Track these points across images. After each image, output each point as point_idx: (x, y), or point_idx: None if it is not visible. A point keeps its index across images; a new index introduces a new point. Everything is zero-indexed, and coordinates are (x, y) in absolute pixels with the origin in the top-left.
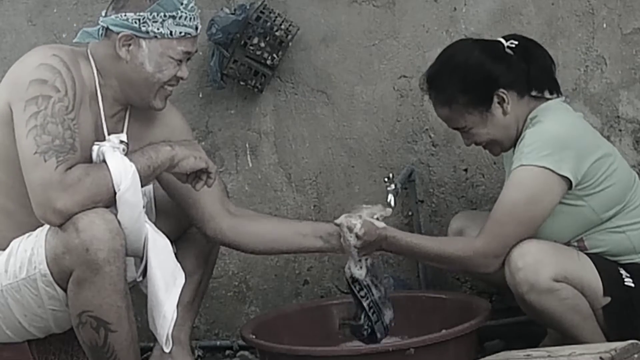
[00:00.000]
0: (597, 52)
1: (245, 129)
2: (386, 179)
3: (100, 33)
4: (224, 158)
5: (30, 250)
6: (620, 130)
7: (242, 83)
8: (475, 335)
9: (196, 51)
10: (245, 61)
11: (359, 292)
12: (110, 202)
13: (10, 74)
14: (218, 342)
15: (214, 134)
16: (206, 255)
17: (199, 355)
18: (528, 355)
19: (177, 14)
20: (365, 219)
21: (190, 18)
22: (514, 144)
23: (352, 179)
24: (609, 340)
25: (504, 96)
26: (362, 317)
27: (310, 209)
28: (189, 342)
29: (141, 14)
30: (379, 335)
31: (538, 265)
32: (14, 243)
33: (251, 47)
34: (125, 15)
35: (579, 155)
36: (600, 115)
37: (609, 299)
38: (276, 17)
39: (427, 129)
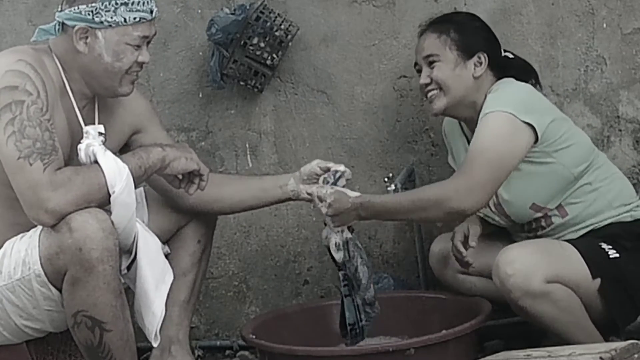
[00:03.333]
0: (597, 52)
1: (245, 129)
2: (386, 179)
3: (57, 29)
4: (224, 158)
5: (24, 251)
6: (620, 130)
7: (242, 83)
8: (475, 335)
9: (155, 34)
10: (245, 61)
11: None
12: (103, 202)
13: None
14: (218, 342)
15: (214, 134)
16: (200, 254)
17: (199, 355)
18: (528, 355)
19: (129, 0)
20: (337, 188)
21: (144, 2)
22: (458, 112)
23: (352, 179)
24: (608, 329)
25: (484, 61)
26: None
27: (310, 209)
28: (188, 340)
29: (93, 5)
30: (349, 317)
31: (528, 270)
32: (8, 244)
33: (251, 47)
34: (78, 9)
35: (538, 109)
36: (600, 115)
37: (599, 280)
38: (276, 17)
39: (427, 129)
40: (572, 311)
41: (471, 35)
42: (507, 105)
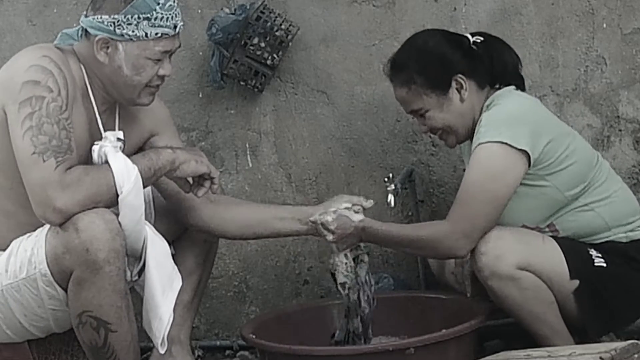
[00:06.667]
0: (597, 52)
1: (245, 129)
2: (386, 179)
3: (79, 35)
4: (224, 158)
5: (31, 250)
6: (620, 130)
7: (242, 83)
8: (475, 335)
9: (179, 46)
10: (245, 61)
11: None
12: (111, 203)
13: (1, 76)
14: (218, 342)
15: (214, 134)
16: (205, 255)
17: (199, 355)
18: (528, 355)
19: (152, 15)
20: (339, 213)
21: (167, 18)
22: (469, 135)
23: (352, 179)
24: (577, 329)
25: (462, 82)
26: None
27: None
28: (189, 341)
29: (116, 16)
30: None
31: (501, 252)
32: (15, 243)
33: (251, 47)
34: (101, 18)
35: (534, 131)
36: (600, 115)
37: (577, 282)
38: (276, 17)
39: None
40: (539, 302)
41: (435, 68)
42: (500, 132)
